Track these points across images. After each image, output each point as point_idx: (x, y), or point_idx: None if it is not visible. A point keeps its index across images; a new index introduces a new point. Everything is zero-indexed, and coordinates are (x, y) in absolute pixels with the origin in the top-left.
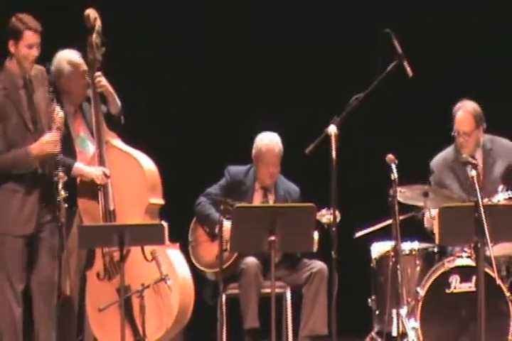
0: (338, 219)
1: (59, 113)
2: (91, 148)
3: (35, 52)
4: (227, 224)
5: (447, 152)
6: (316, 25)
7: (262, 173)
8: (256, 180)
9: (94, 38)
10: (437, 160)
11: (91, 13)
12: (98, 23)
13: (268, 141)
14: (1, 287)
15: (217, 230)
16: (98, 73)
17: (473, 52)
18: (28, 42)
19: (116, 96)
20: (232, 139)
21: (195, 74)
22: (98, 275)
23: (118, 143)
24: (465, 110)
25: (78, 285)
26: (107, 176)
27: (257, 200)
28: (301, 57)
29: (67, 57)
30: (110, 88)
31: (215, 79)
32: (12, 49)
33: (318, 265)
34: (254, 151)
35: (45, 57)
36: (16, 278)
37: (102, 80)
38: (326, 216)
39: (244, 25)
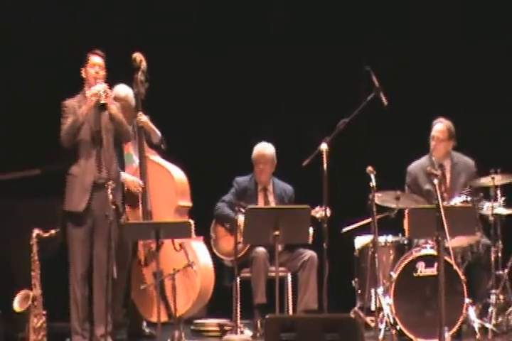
0: (329, 215)
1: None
2: (136, 162)
3: (99, 70)
4: (241, 218)
5: (423, 160)
6: (318, 28)
7: (257, 171)
8: (257, 184)
9: (140, 75)
10: (415, 166)
11: (137, 56)
12: (143, 64)
13: (260, 146)
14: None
15: (232, 225)
16: (140, 113)
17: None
18: (92, 63)
19: (156, 129)
20: (241, 153)
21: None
22: (140, 262)
23: (155, 158)
24: (443, 123)
25: (125, 269)
26: (140, 186)
27: (261, 200)
28: (302, 64)
29: (115, 90)
30: (150, 124)
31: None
32: (83, 74)
33: (309, 254)
34: (252, 156)
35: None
36: (79, 263)
37: (143, 118)
38: (319, 212)
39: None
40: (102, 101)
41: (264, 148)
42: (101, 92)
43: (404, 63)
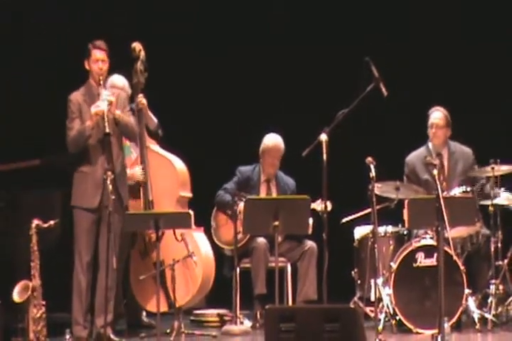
0: (329, 208)
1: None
2: (134, 154)
3: (102, 66)
4: (241, 205)
5: (421, 151)
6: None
7: (267, 164)
8: (261, 174)
9: (139, 65)
10: (413, 156)
11: (136, 45)
12: (142, 54)
13: (274, 139)
14: (76, 260)
15: (232, 211)
16: (141, 95)
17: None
18: (95, 58)
19: (152, 116)
20: (241, 144)
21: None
22: (140, 252)
23: (156, 148)
24: (440, 111)
25: (123, 260)
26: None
27: (263, 191)
28: (303, 64)
29: (111, 81)
30: (146, 109)
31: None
32: (87, 66)
33: (309, 244)
34: (262, 147)
35: None
36: (85, 252)
37: (143, 101)
38: (320, 205)
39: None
40: (107, 130)
41: (279, 143)
42: (104, 109)
43: (404, 63)
